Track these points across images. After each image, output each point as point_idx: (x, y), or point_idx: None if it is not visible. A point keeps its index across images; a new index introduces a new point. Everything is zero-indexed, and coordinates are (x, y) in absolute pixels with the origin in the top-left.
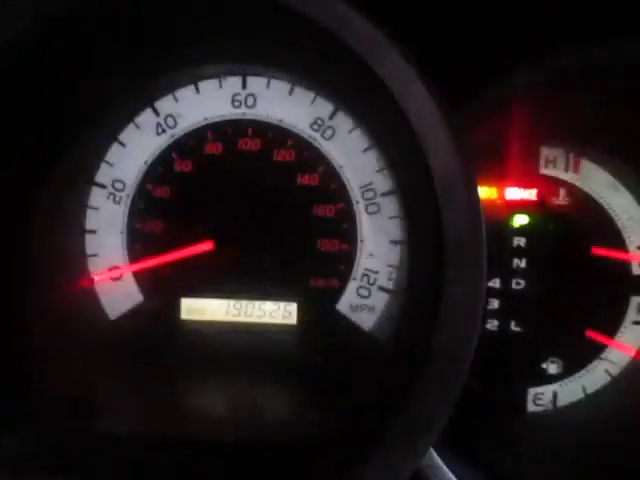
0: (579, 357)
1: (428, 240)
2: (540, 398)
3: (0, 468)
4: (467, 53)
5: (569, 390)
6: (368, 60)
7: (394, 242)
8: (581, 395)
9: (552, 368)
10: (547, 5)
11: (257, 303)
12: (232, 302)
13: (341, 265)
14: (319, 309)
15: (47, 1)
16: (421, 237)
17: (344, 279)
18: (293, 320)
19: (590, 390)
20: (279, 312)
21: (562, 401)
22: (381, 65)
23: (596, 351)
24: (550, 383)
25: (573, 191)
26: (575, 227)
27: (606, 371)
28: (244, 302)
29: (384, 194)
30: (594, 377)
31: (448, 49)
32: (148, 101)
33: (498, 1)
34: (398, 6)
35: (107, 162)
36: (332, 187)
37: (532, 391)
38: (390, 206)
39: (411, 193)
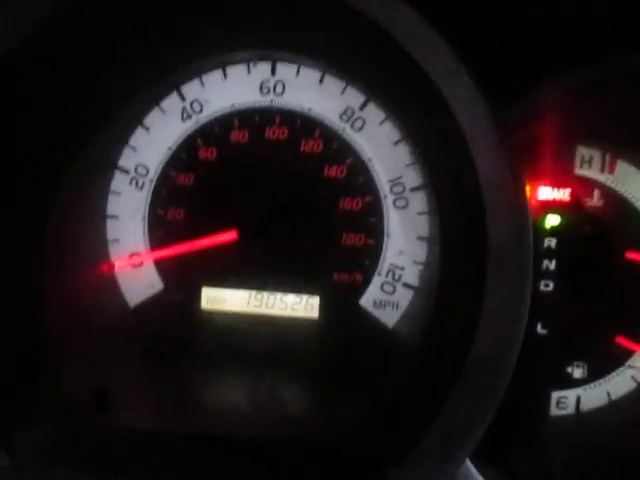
0: (605, 362)
1: (463, 239)
2: (563, 402)
3: (18, 461)
4: (512, 56)
5: (593, 395)
6: (412, 51)
7: (422, 238)
8: (605, 401)
9: (577, 372)
10: (585, 11)
11: (279, 295)
12: (254, 293)
13: (366, 260)
14: (342, 303)
15: None
16: (454, 235)
17: (368, 274)
18: (315, 314)
19: (615, 396)
20: (301, 305)
21: (586, 406)
22: (429, 60)
23: (623, 357)
24: (574, 387)
25: (608, 193)
26: (608, 230)
27: (632, 377)
28: (266, 293)
29: (413, 189)
30: (619, 383)
31: (494, 50)
32: (174, 85)
33: (541, 7)
34: (448, 3)
35: (131, 146)
36: (360, 180)
37: (555, 395)
38: (419, 201)
39: (443, 189)
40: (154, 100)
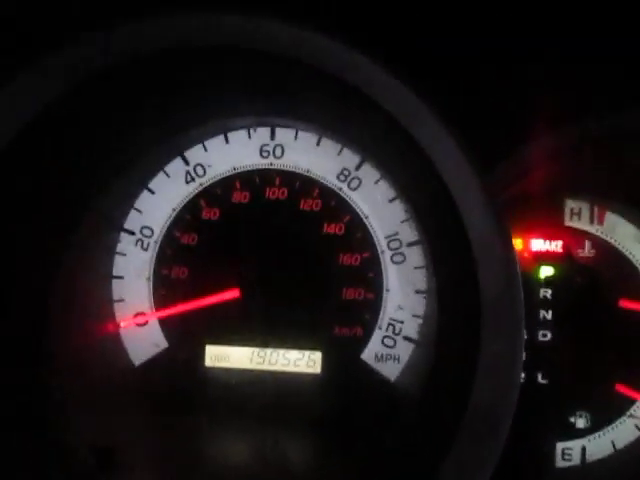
0: (608, 411)
1: (458, 291)
2: (569, 453)
3: None
4: (497, 116)
5: (598, 445)
6: (402, 121)
7: (420, 292)
8: (611, 450)
9: (580, 422)
10: (570, 72)
11: (281, 351)
12: (257, 350)
13: (366, 314)
14: (344, 358)
15: (80, 62)
16: (450, 288)
17: (369, 328)
18: (317, 369)
19: (619, 445)
20: (303, 360)
21: (591, 456)
22: (416, 127)
23: (625, 406)
24: (579, 438)
25: (599, 243)
26: (601, 279)
27: (636, 426)
28: (269, 350)
29: (410, 244)
30: (624, 432)
31: (479, 112)
32: (178, 150)
33: (525, 67)
34: (430, 68)
35: (136, 209)
36: (358, 236)
37: (560, 446)
38: (416, 256)
39: (438, 244)
40: (159, 165)
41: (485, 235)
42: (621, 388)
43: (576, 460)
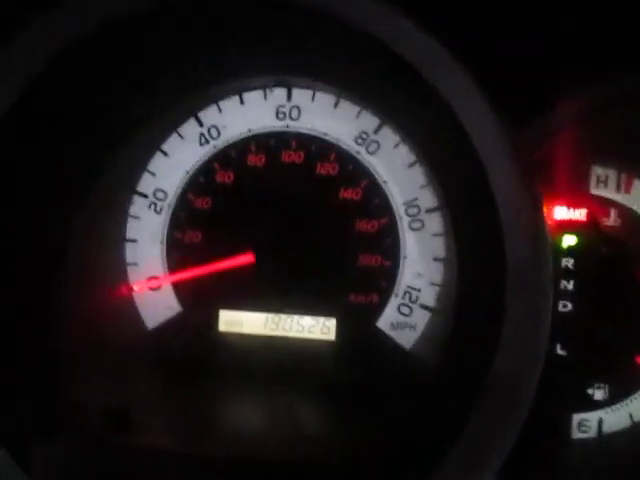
0: (626, 383)
1: (481, 259)
2: (585, 425)
3: (34, 478)
4: (528, 73)
5: (615, 417)
6: (426, 73)
7: (438, 260)
8: (628, 422)
9: (598, 394)
10: (603, 30)
11: (296, 317)
12: (270, 316)
13: (382, 281)
14: (358, 325)
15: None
16: (472, 256)
17: (385, 296)
18: (332, 336)
19: (637, 418)
20: (317, 327)
21: (608, 428)
22: (441, 78)
23: None
24: (596, 409)
25: (625, 212)
26: (626, 249)
27: None
28: (283, 316)
29: (429, 210)
30: None
31: (509, 68)
32: (192, 111)
33: (558, 26)
34: (460, 22)
35: (149, 171)
36: (375, 202)
37: (577, 417)
38: (435, 223)
39: (459, 210)
40: (172, 126)
41: (513, 197)
42: None
43: (593, 432)
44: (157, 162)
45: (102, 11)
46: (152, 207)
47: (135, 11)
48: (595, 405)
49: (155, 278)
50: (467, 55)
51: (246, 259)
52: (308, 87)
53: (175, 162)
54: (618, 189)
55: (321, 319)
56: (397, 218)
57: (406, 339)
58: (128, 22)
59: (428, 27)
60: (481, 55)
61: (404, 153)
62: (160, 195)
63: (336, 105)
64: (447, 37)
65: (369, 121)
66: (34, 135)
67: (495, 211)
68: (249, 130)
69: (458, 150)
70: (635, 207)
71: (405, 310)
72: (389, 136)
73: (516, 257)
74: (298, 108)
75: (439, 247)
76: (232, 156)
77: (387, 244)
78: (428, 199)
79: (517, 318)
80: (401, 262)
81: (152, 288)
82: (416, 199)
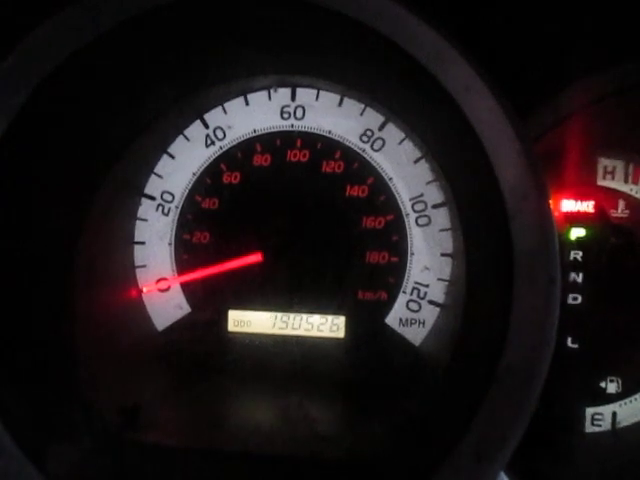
0: (639, 376)
1: (488, 253)
2: (598, 419)
3: (49, 478)
4: (531, 64)
5: (629, 410)
6: (430, 67)
7: (446, 255)
8: None
9: (611, 387)
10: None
11: (304, 316)
12: (279, 315)
13: (390, 278)
14: (367, 323)
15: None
16: (479, 250)
17: (393, 292)
18: (341, 334)
19: None
20: (327, 325)
21: (622, 422)
22: (445, 72)
23: None
24: (609, 403)
25: (633, 203)
26: (635, 240)
27: None
28: (291, 315)
29: (435, 206)
30: None
31: (511, 59)
32: (197, 113)
33: (562, 13)
34: (463, 13)
35: (156, 174)
36: (382, 199)
37: (590, 411)
38: (442, 218)
39: (466, 204)
40: (178, 128)
41: (520, 189)
42: None
43: (606, 425)
44: (164, 164)
45: (111, 13)
46: (160, 209)
47: (141, 12)
48: (608, 399)
49: (164, 279)
50: (470, 46)
51: (254, 259)
52: (312, 86)
53: (181, 164)
54: (626, 180)
55: (330, 317)
56: (404, 214)
57: (415, 335)
58: (135, 23)
59: (431, 20)
60: (485, 45)
61: (409, 149)
62: (167, 197)
63: (340, 103)
64: (450, 29)
65: (374, 118)
66: (42, 139)
67: (502, 204)
68: (254, 130)
69: (464, 143)
70: None
71: (414, 306)
72: (394, 133)
73: (523, 246)
74: (302, 107)
75: (446, 242)
76: (238, 157)
77: (394, 241)
78: (434, 194)
79: (525, 310)
80: (409, 258)
81: (161, 290)
82: (422, 195)
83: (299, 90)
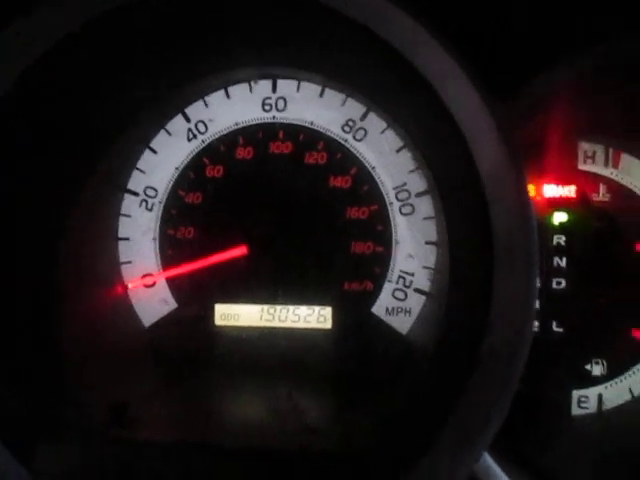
0: (624, 358)
1: (469, 240)
2: (585, 401)
3: (38, 477)
4: (508, 46)
5: (615, 392)
6: (407, 54)
7: (430, 243)
8: (628, 397)
9: (596, 369)
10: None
11: (291, 308)
12: (266, 307)
13: (376, 268)
14: (354, 313)
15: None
16: (461, 237)
17: (379, 282)
18: (328, 324)
19: (637, 392)
20: (313, 316)
21: (608, 404)
22: (422, 59)
23: None
24: (595, 385)
25: (614, 187)
26: (617, 223)
27: None
28: (278, 307)
29: (418, 194)
30: None
31: (488, 42)
32: (179, 107)
33: None
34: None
35: (139, 169)
36: (365, 189)
37: (576, 394)
38: (425, 206)
39: (448, 192)
40: (160, 123)
41: (498, 175)
42: (637, 334)
43: (593, 408)
44: (146, 159)
45: (93, 5)
46: (143, 204)
47: (123, 4)
48: (594, 381)
49: (149, 275)
50: (447, 31)
51: (239, 252)
52: (293, 77)
53: (164, 159)
54: (606, 164)
55: (317, 308)
56: (387, 203)
57: (402, 324)
58: (115, 17)
59: (405, 5)
60: (461, 30)
61: (391, 138)
62: (150, 192)
63: (321, 94)
64: (425, 14)
65: (355, 108)
66: (26, 135)
67: (481, 190)
68: (236, 123)
69: (443, 131)
70: (624, 181)
71: (400, 295)
72: (376, 122)
73: (502, 231)
74: (284, 99)
75: (431, 230)
76: (221, 150)
77: (379, 230)
78: (417, 183)
79: (505, 294)
80: (394, 247)
81: (147, 285)
82: (405, 184)
83: (280, 82)
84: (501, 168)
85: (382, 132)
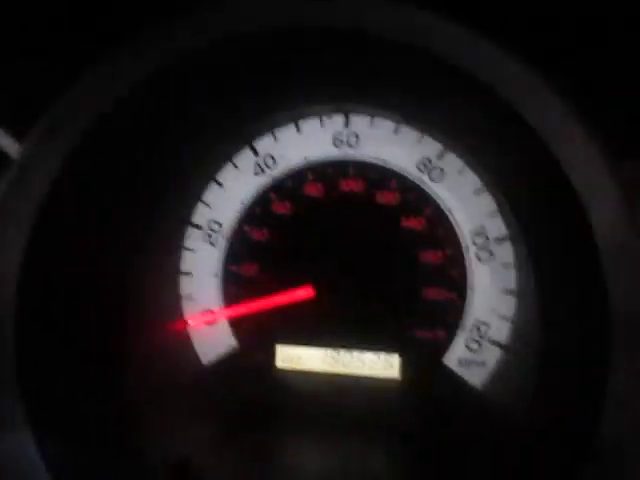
0: None
1: (568, 296)
2: None
3: None
4: (629, 100)
5: None
6: (518, 106)
7: (509, 292)
8: None
9: None
10: None
11: (355, 353)
12: (329, 351)
13: (449, 315)
14: (424, 362)
15: (159, 55)
16: (551, 289)
17: (452, 330)
18: (395, 373)
19: None
20: (379, 363)
21: None
22: (534, 110)
23: None
24: None
25: None
26: None
27: None
28: (342, 351)
29: (498, 239)
30: None
31: (607, 94)
32: (247, 141)
33: None
34: (554, 48)
35: (204, 202)
36: (440, 232)
37: None
38: (505, 252)
39: (536, 239)
40: (227, 156)
41: (617, 233)
42: None
43: None
44: (212, 193)
45: (173, 46)
46: (207, 239)
47: (206, 46)
48: None
49: (211, 312)
50: (562, 82)
51: (305, 293)
52: (367, 113)
53: (230, 193)
54: None
55: (382, 355)
56: (463, 248)
57: (475, 377)
58: (195, 57)
59: (518, 53)
60: (576, 77)
61: (470, 179)
62: (215, 227)
63: (396, 131)
64: (542, 65)
65: (432, 146)
66: (98, 178)
67: (594, 249)
68: (306, 159)
69: (550, 187)
70: None
71: (473, 345)
72: (454, 161)
73: (624, 305)
74: (356, 135)
75: (510, 278)
76: (289, 186)
77: (453, 276)
78: (497, 227)
79: (625, 372)
80: (468, 295)
81: (208, 323)
82: (483, 227)
83: (353, 117)
84: (621, 224)
85: (460, 172)
